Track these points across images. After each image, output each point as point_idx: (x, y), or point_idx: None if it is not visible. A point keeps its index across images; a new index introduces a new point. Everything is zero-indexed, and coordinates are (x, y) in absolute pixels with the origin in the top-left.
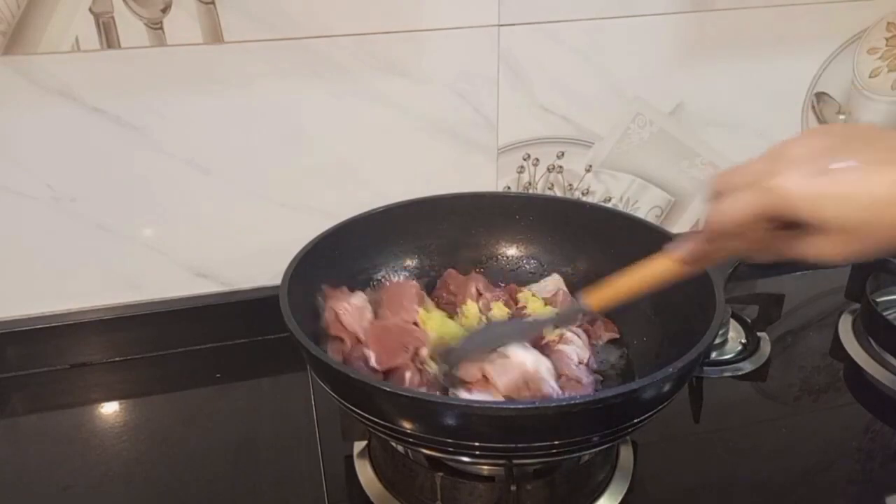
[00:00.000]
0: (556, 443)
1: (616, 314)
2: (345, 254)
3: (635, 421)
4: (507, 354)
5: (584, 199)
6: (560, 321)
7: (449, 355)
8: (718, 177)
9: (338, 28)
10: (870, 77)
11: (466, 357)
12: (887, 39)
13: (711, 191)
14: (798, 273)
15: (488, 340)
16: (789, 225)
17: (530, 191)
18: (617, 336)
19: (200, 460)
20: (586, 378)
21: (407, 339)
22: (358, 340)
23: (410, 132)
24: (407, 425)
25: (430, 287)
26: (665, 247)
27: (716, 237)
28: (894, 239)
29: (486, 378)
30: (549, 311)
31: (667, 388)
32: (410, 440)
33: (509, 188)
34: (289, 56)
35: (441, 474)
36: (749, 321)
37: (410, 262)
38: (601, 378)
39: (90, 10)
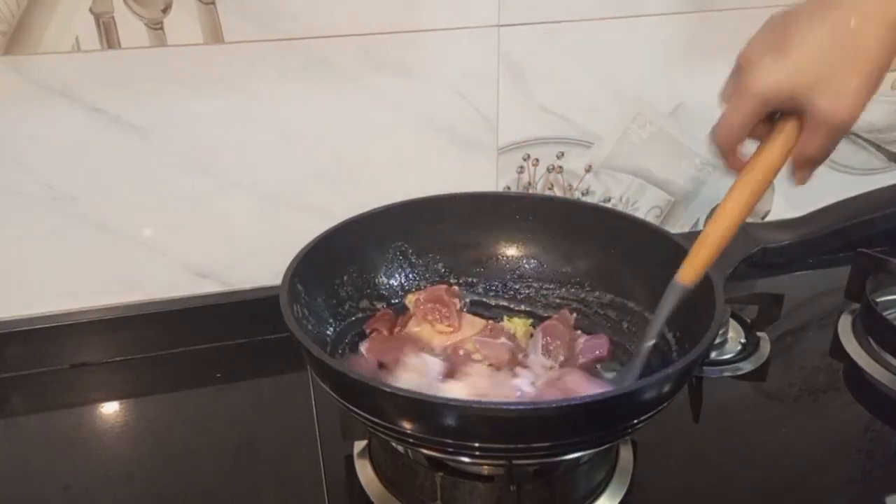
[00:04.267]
0: (556, 443)
1: (617, 314)
2: (345, 254)
3: (635, 421)
4: None
5: (584, 199)
6: (668, 312)
7: None
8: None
9: (338, 28)
10: None
11: None
12: None
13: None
14: (798, 273)
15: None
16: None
17: (530, 191)
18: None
19: (200, 460)
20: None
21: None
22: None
23: (410, 132)
24: (407, 425)
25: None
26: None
27: (728, 148)
28: (877, 66)
29: None
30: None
31: (666, 388)
32: (410, 440)
33: (509, 188)
34: (289, 56)
35: (441, 474)
36: (749, 321)
37: (410, 263)
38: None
39: (90, 10)
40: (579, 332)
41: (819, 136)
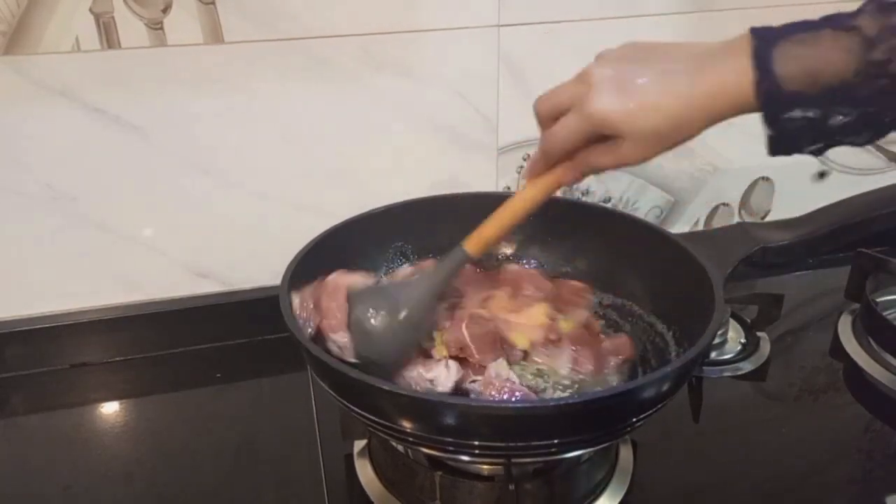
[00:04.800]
0: (555, 442)
1: (616, 314)
2: (344, 254)
3: (634, 420)
4: None
5: (584, 199)
6: (448, 272)
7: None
8: (539, 102)
9: (338, 28)
10: None
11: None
12: None
13: (537, 115)
14: (798, 273)
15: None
16: (602, 138)
17: None
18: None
19: (200, 460)
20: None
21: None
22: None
23: (410, 132)
24: (406, 424)
25: None
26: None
27: (552, 158)
28: (684, 138)
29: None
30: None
31: (666, 387)
32: (410, 439)
33: (509, 188)
34: (289, 56)
35: (440, 473)
36: (749, 321)
37: (410, 263)
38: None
39: (90, 10)
40: (602, 335)
41: (607, 162)
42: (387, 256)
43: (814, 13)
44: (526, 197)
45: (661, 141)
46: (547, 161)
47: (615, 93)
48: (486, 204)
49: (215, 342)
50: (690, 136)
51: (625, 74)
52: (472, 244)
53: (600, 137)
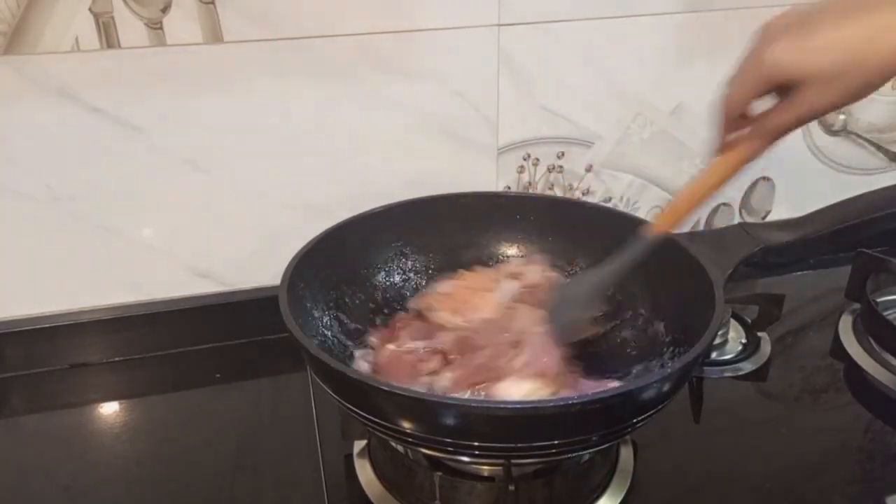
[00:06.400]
0: (555, 442)
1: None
2: (345, 254)
3: (634, 421)
4: None
5: (584, 199)
6: (632, 261)
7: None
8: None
9: (338, 28)
10: None
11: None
12: None
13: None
14: (798, 273)
15: (576, 300)
16: (783, 92)
17: (530, 191)
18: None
19: (200, 460)
20: None
21: None
22: None
23: (410, 132)
24: (406, 425)
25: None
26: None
27: (731, 122)
28: (871, 78)
29: None
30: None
31: (666, 388)
32: (410, 440)
33: (509, 188)
34: (289, 56)
35: (440, 474)
36: (749, 321)
37: (410, 263)
38: None
39: (90, 10)
40: None
41: (790, 117)
42: (387, 256)
43: None
44: (714, 171)
45: (845, 81)
46: (726, 128)
47: (787, 37)
48: (486, 204)
49: (215, 342)
50: (874, 79)
51: (795, 21)
52: (659, 224)
53: (780, 95)
